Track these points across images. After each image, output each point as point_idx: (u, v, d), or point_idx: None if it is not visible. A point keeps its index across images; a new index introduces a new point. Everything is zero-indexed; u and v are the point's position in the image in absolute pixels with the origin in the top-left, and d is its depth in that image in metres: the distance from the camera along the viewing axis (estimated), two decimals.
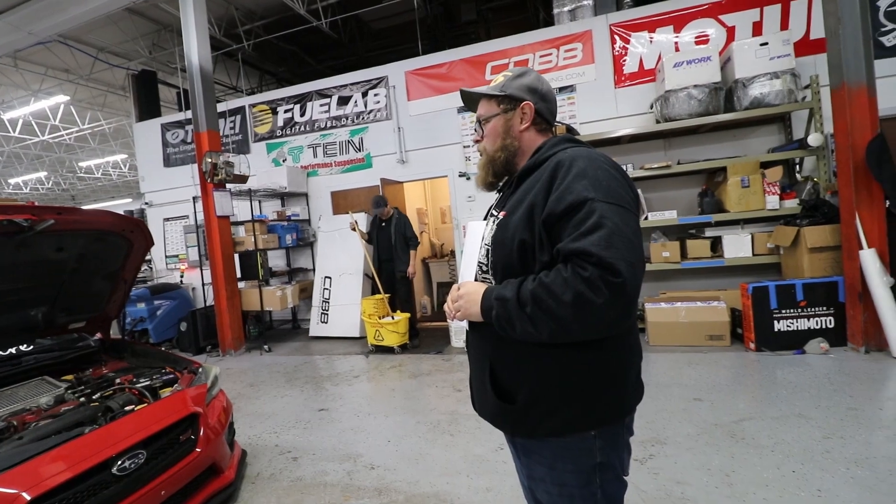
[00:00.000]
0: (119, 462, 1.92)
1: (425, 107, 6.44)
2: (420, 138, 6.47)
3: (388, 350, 5.31)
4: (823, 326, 4.09)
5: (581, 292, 0.90)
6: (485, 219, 1.33)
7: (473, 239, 1.23)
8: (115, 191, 20.07)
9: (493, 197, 1.38)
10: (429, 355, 5.09)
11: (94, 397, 2.36)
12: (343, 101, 6.83)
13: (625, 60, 5.68)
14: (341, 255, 6.42)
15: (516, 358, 1.09)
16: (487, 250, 1.16)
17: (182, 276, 7.58)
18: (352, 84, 6.80)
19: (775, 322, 4.16)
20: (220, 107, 7.07)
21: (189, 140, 7.63)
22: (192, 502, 2.25)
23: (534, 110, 1.21)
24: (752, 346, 4.22)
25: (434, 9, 8.06)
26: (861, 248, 3.84)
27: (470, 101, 1.32)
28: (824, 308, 4.09)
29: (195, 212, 6.58)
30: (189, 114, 7.44)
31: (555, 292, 0.93)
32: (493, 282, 1.14)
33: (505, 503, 2.29)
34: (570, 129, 1.28)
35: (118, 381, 2.54)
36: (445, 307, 1.25)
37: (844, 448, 2.46)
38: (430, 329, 6.43)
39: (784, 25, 5.10)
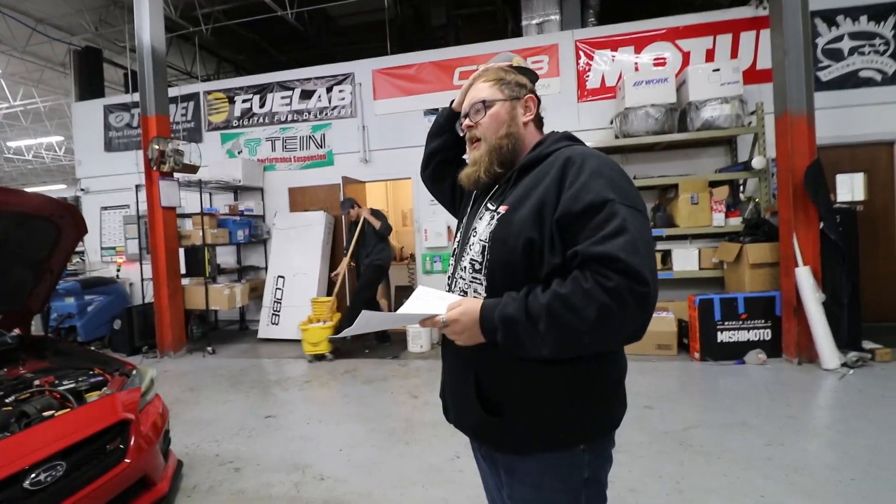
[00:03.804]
0: (32, 475, 1.70)
1: (392, 107, 6.34)
2: (385, 138, 6.36)
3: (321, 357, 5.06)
4: (762, 338, 4.34)
5: (606, 304, 0.82)
6: (470, 208, 1.22)
7: (378, 319, 1.07)
8: (48, 175, 18.47)
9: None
10: (385, 360, 4.97)
11: (6, 401, 2.09)
12: (306, 94, 6.61)
13: (588, 76, 5.85)
14: (297, 254, 6.18)
15: (505, 367, 1.00)
16: (484, 247, 1.05)
17: (118, 270, 7.03)
18: (316, 78, 6.59)
19: (719, 333, 4.37)
20: (172, 91, 6.64)
21: (135, 125, 7.12)
22: None
23: (537, 104, 1.16)
24: (697, 355, 4.40)
25: (404, 10, 8.00)
26: (797, 265, 4.10)
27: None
28: (763, 321, 4.34)
29: (137, 201, 6.14)
30: (136, 96, 6.96)
31: (575, 306, 0.84)
32: (485, 282, 1.03)
33: None
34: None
35: (37, 382, 2.27)
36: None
37: (784, 455, 2.58)
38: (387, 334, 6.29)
39: (734, 54, 5.43)
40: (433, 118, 6.06)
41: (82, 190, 7.37)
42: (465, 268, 1.09)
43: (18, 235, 2.35)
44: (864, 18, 5.19)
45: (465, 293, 1.08)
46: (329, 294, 5.71)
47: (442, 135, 1.39)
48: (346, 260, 5.40)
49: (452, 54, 6.22)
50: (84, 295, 5.86)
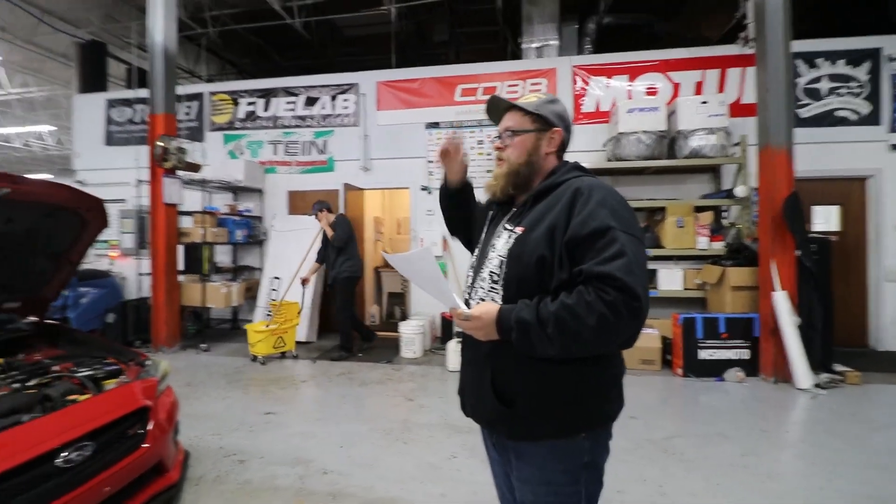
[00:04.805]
0: (64, 454, 1.79)
1: (394, 118, 6.52)
2: (385, 148, 6.54)
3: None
4: (740, 357, 4.58)
5: (604, 314, 0.98)
6: (487, 228, 1.38)
7: (428, 266, 1.15)
8: (35, 164, 18.09)
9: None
10: (379, 364, 5.07)
11: (28, 384, 2.17)
12: (311, 101, 6.76)
13: (583, 100, 6.13)
14: (294, 256, 6.25)
15: (517, 365, 1.16)
16: (502, 261, 1.20)
17: (111, 264, 7.01)
18: (321, 86, 6.75)
19: (700, 351, 4.60)
20: (177, 90, 6.72)
21: (137, 120, 7.17)
22: (135, 502, 2.13)
23: (561, 138, 1.30)
24: (680, 371, 4.62)
25: (408, 25, 8.23)
26: (774, 289, 4.37)
27: (495, 110, 1.36)
28: (742, 341, 4.59)
29: (138, 196, 6.17)
30: (140, 92, 7.03)
31: (579, 314, 1.00)
32: (502, 292, 1.19)
33: None
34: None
35: (56, 368, 2.35)
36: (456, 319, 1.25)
37: (759, 464, 2.78)
38: (379, 339, 6.39)
39: (721, 89, 5.77)
40: (434, 132, 6.25)
41: (79, 182, 7.34)
42: (483, 278, 1.25)
43: (46, 226, 2.45)
44: (841, 62, 5.58)
45: (483, 300, 1.24)
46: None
47: (445, 206, 1.58)
48: (314, 265, 5.50)
49: (455, 72, 6.45)
50: (78, 287, 5.85)
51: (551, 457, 1.17)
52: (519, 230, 1.21)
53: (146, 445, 2.15)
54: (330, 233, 5.22)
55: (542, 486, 1.18)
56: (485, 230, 1.39)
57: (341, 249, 5.22)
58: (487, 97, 1.38)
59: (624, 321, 1.00)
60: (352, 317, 5.40)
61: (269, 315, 5.54)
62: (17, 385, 2.13)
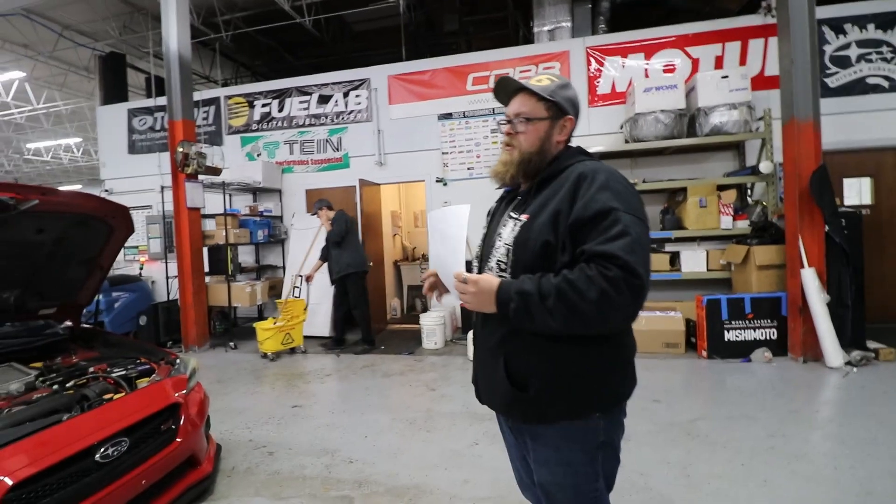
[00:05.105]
0: (102, 449, 1.90)
1: (406, 111, 6.53)
2: (399, 142, 6.56)
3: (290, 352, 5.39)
4: (768, 337, 4.46)
5: (605, 290, 1.00)
6: (489, 216, 1.40)
7: (458, 221, 1.21)
8: (65, 176, 18.88)
9: (483, 198, 1.46)
10: (401, 356, 5.15)
11: (67, 385, 2.30)
12: (323, 99, 6.82)
13: (598, 82, 6.00)
14: (314, 253, 6.36)
15: (529, 350, 1.17)
16: (508, 249, 1.21)
17: (141, 269, 7.28)
18: (333, 83, 6.80)
19: (726, 332, 4.50)
20: (194, 96, 6.88)
21: (157, 128, 7.38)
22: (170, 493, 2.24)
23: (573, 126, 1.29)
24: (704, 353, 4.54)
25: (417, 16, 8.19)
26: (802, 267, 4.23)
27: (503, 91, 1.31)
28: (769, 321, 4.47)
29: (163, 202, 6.37)
30: (159, 101, 7.22)
31: (580, 288, 1.02)
32: (509, 279, 1.20)
33: (482, 492, 2.39)
34: None
35: (91, 369, 2.48)
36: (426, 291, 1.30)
37: (786, 445, 2.73)
38: (401, 331, 6.49)
39: (742, 61, 5.55)
40: (447, 122, 6.22)
41: (106, 191, 7.62)
42: (491, 268, 1.26)
43: (77, 234, 2.56)
44: (871, 26, 5.30)
45: None
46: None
47: None
48: (318, 262, 5.58)
49: (465, 60, 6.40)
50: (111, 292, 6.10)
51: (567, 438, 1.18)
52: (524, 218, 1.21)
53: (179, 440, 2.26)
54: (328, 227, 5.28)
55: (559, 466, 1.20)
56: (489, 221, 1.40)
57: (339, 244, 5.25)
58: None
59: (624, 297, 1.01)
60: (365, 313, 5.46)
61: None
62: (56, 386, 2.26)
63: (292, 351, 5.43)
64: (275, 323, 5.26)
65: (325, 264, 5.52)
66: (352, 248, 5.32)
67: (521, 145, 1.27)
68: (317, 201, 5.47)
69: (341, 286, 5.38)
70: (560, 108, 1.26)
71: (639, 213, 1.10)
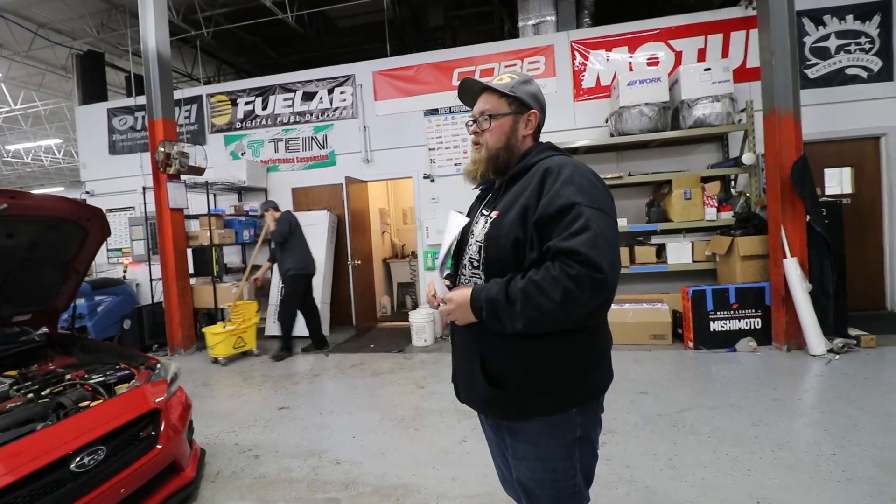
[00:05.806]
0: (77, 458, 1.86)
1: (392, 108, 6.48)
2: (386, 139, 6.50)
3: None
4: (752, 327, 4.52)
5: (569, 289, 1.01)
6: (468, 215, 1.40)
7: (450, 228, 1.27)
8: (46, 178, 18.52)
9: (471, 195, 1.47)
10: (390, 354, 5.13)
11: (42, 393, 2.24)
12: (308, 96, 6.74)
13: (583, 76, 6.00)
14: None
15: (504, 348, 1.17)
16: (480, 247, 1.22)
17: (125, 271, 7.16)
18: (317, 80, 6.72)
19: (711, 323, 4.55)
20: (175, 94, 6.75)
21: (139, 127, 7.25)
22: (151, 501, 2.19)
23: (538, 120, 1.30)
24: (691, 344, 4.58)
25: (402, 11, 8.12)
26: (785, 256, 4.28)
27: (468, 93, 1.34)
28: (753, 310, 4.52)
29: (144, 203, 6.26)
30: (139, 100, 7.10)
31: (545, 289, 1.03)
32: (483, 277, 1.21)
33: (470, 490, 2.39)
34: None
35: (68, 377, 2.43)
36: (429, 299, 1.31)
37: (770, 434, 2.76)
38: (391, 329, 6.47)
39: (724, 54, 5.59)
40: (433, 118, 6.19)
41: (87, 192, 7.48)
42: (465, 265, 1.27)
43: (50, 238, 2.49)
44: (850, 17, 5.35)
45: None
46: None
47: None
48: (266, 264, 5.58)
49: (451, 56, 6.35)
50: (94, 295, 6.00)
51: (545, 433, 1.19)
52: (494, 214, 1.22)
53: (159, 446, 2.21)
54: (272, 227, 5.18)
55: (537, 462, 1.20)
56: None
57: (283, 245, 5.19)
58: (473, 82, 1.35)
59: (587, 293, 1.01)
60: (290, 317, 5.29)
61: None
62: (31, 395, 2.20)
63: (244, 355, 5.35)
64: (225, 327, 5.19)
65: (272, 265, 5.56)
66: (296, 250, 5.25)
67: (487, 142, 1.29)
68: (263, 202, 5.45)
69: (290, 288, 5.27)
70: (522, 103, 1.28)
71: (603, 206, 1.10)
